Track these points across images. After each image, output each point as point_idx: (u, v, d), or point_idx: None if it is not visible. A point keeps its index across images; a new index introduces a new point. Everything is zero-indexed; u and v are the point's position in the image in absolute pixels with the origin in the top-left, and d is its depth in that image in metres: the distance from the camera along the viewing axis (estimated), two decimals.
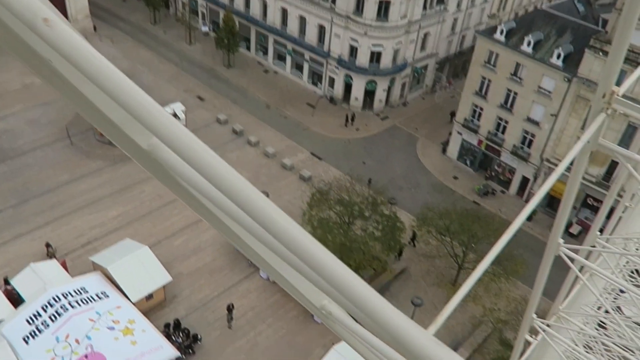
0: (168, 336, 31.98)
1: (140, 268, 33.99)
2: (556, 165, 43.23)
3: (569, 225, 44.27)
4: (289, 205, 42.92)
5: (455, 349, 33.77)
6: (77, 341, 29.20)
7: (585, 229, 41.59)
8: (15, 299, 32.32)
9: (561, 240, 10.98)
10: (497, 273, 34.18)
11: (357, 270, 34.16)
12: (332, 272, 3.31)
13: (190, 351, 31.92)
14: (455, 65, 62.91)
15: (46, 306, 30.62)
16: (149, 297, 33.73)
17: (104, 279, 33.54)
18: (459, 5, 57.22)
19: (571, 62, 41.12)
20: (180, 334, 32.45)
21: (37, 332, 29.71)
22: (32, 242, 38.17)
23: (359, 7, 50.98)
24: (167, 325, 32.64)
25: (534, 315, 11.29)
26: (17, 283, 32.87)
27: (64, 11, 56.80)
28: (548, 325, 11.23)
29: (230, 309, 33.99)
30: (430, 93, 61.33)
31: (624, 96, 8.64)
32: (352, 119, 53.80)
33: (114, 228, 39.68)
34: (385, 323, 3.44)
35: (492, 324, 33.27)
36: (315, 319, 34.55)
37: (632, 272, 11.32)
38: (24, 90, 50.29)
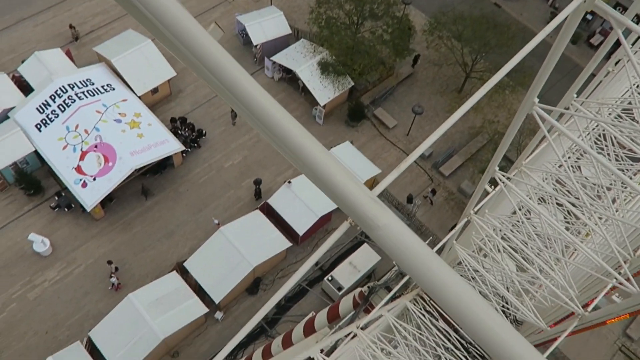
0: (175, 130, 33.27)
1: (145, 62, 33.92)
2: None
3: (591, 35, 42.15)
4: None
5: (450, 155, 35.01)
6: (86, 131, 30.60)
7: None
8: (25, 87, 33.10)
9: (536, 100, 10.81)
10: (504, 84, 33.70)
11: (360, 74, 33.91)
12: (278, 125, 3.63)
13: (196, 145, 33.43)
14: None
15: (54, 96, 31.45)
16: (155, 91, 34.23)
17: (109, 70, 33.74)
18: None
19: None
20: (186, 129, 33.67)
21: (48, 121, 31.03)
22: (36, 27, 37.63)
23: None
24: (172, 120, 33.69)
25: (497, 168, 11.56)
26: (24, 71, 33.27)
27: None
28: (508, 179, 11.56)
29: None
30: None
31: None
32: None
33: (117, 16, 38.54)
34: (328, 181, 3.85)
35: (488, 135, 33.83)
36: (317, 120, 35.38)
37: (599, 137, 11.21)
38: None
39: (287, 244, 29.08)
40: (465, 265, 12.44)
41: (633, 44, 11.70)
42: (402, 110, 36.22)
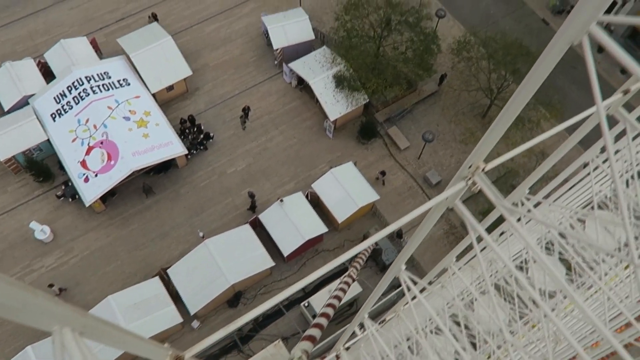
0: (183, 130, 33.63)
1: (163, 59, 34.16)
2: None
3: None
4: None
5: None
6: (95, 127, 31.49)
7: None
8: (50, 73, 34.28)
9: (403, 267, 10.57)
10: (526, 119, 31.79)
11: (374, 92, 32.88)
12: None
13: (202, 147, 33.69)
14: None
15: (71, 87, 32.41)
16: (170, 88, 34.52)
17: (128, 64, 34.29)
18: None
19: None
20: (194, 129, 33.92)
21: (62, 112, 32.12)
22: (71, 10, 38.55)
23: None
24: (182, 121, 33.98)
25: (366, 315, 11.15)
26: (49, 57, 34.38)
27: None
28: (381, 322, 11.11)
29: (246, 111, 34.51)
30: None
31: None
32: None
33: (148, 4, 38.82)
34: None
35: (499, 172, 32.05)
36: (327, 134, 34.74)
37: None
38: None
39: (270, 263, 29.12)
40: None
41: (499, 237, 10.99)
42: (418, 131, 34.85)
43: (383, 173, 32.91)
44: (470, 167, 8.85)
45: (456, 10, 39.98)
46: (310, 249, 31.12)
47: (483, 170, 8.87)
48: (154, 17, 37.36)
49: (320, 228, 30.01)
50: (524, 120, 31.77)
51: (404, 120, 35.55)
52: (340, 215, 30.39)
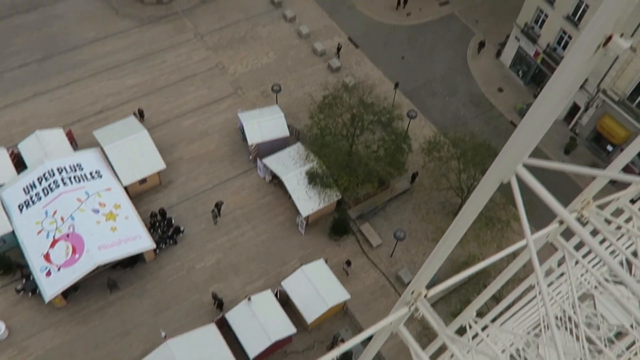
0: (153, 224, 33.22)
1: (137, 152, 34.31)
2: (612, 99, 37.66)
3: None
4: (306, 98, 40.64)
5: (432, 284, 33.08)
6: (62, 219, 30.93)
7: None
8: (21, 163, 34.11)
9: None
10: (495, 219, 32.08)
11: (346, 190, 33.06)
12: None
13: (171, 241, 33.14)
14: None
15: (41, 179, 32.15)
16: (143, 181, 34.44)
17: (102, 156, 34.36)
18: None
19: None
20: (165, 222, 33.51)
21: (30, 203, 31.65)
22: (50, 102, 39.12)
23: None
24: (152, 215, 33.64)
25: None
26: (22, 148, 34.37)
27: None
28: None
29: (219, 206, 34.37)
30: None
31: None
32: (405, 2, 48.08)
33: (128, 99, 39.62)
34: None
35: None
36: (299, 229, 34.53)
37: None
38: None
39: None
40: None
41: None
42: (390, 229, 34.80)
43: (349, 263, 32.49)
44: (412, 292, 8.93)
45: (427, 111, 41.37)
46: (279, 351, 29.95)
47: (425, 296, 8.95)
48: (140, 114, 37.88)
49: (289, 329, 29.02)
50: (494, 220, 32.05)
51: (376, 217, 35.61)
52: (310, 315, 29.54)
